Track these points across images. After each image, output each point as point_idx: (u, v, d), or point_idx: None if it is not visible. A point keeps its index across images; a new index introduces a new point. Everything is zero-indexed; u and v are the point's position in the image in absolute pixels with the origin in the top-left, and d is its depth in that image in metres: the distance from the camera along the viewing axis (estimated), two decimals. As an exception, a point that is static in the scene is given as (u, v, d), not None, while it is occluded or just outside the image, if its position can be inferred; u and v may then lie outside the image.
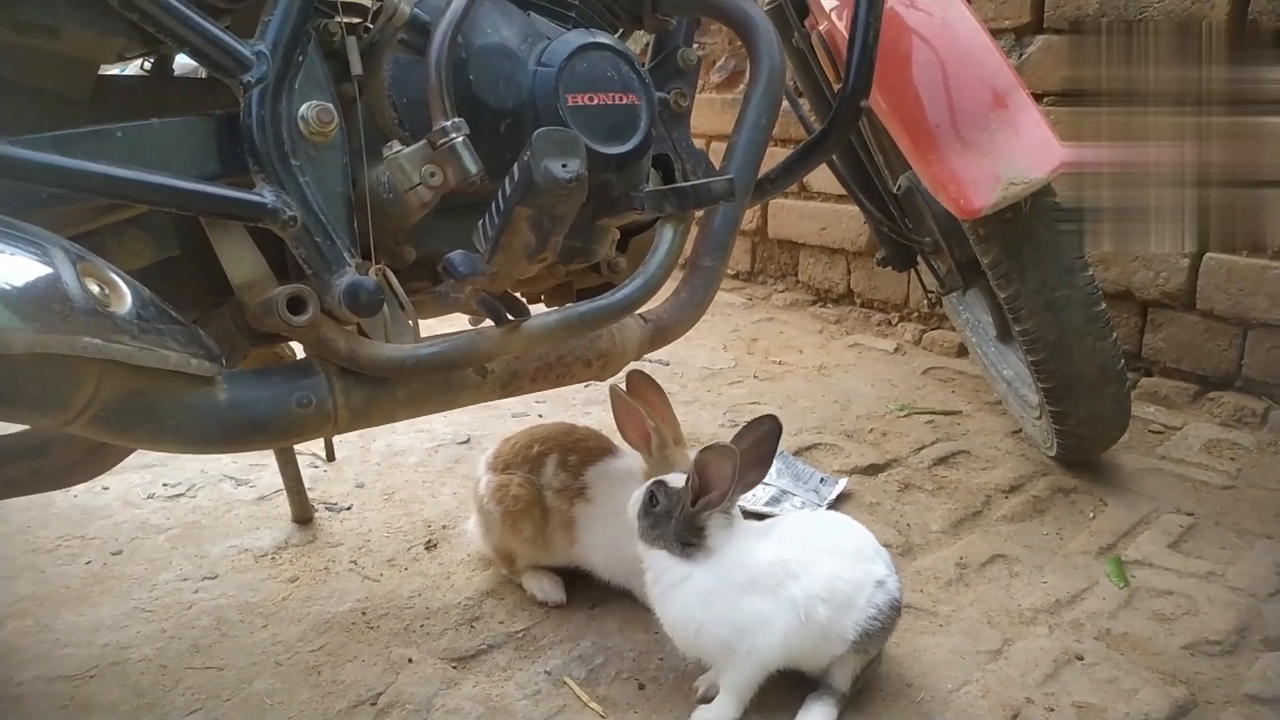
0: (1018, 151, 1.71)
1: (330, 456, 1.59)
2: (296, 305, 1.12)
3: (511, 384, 1.34)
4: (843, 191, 3.38)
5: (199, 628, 1.56)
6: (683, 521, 1.35)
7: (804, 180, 3.54)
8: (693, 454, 1.37)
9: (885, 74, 1.74)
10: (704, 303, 1.55)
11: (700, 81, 3.95)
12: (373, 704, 1.39)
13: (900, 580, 1.41)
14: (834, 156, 2.13)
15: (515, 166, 1.06)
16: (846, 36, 1.57)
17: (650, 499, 1.38)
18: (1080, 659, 1.53)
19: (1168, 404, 2.60)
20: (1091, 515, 2.02)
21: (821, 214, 3.51)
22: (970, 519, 2.00)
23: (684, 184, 1.37)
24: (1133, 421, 2.15)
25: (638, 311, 1.50)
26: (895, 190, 2.19)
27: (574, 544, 1.60)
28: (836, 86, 1.87)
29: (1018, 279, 1.82)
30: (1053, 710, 1.41)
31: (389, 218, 1.23)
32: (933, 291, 2.43)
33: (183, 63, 1.45)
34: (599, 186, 1.32)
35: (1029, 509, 2.04)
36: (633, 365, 1.53)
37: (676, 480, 1.39)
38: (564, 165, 1.03)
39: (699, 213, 1.46)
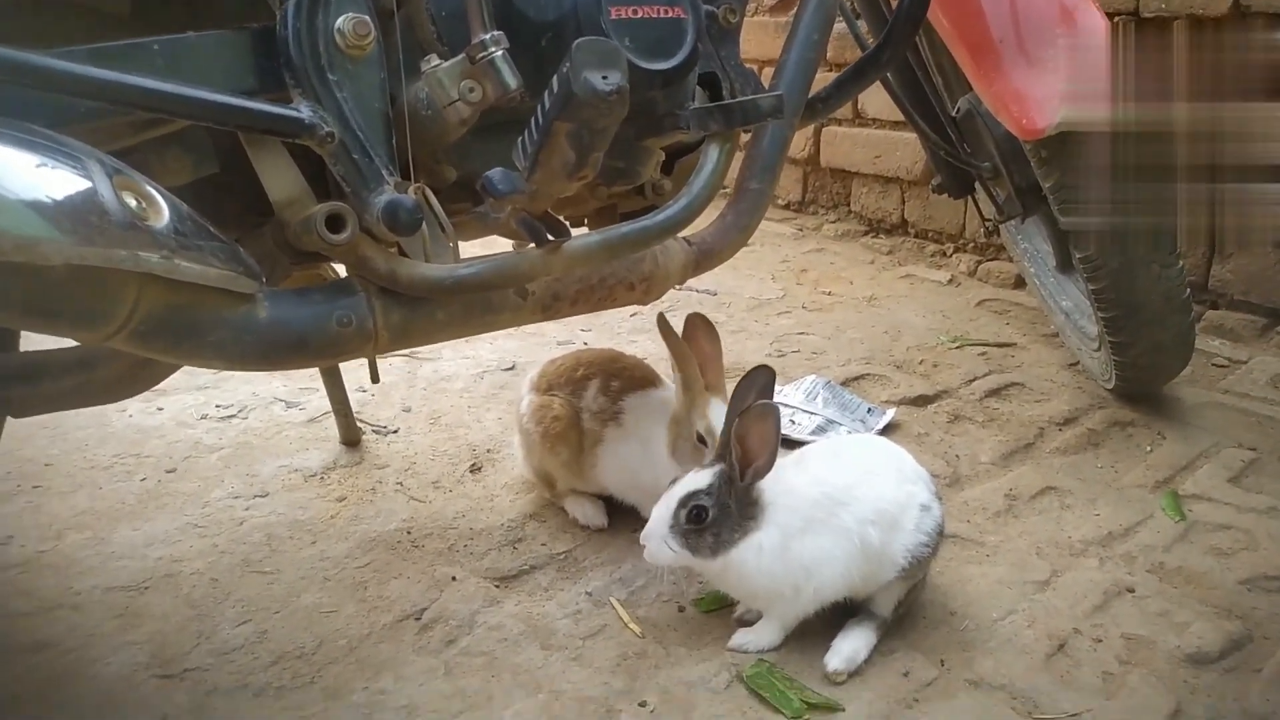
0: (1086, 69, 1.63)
1: (375, 378, 1.60)
2: (335, 223, 1.11)
3: (552, 306, 1.32)
4: (899, 118, 3.29)
5: (250, 543, 1.60)
6: (739, 502, 1.28)
7: (859, 106, 3.44)
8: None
9: (946, -14, 1.66)
10: (750, 226, 1.51)
11: (753, 4, 3.84)
12: (417, 619, 1.41)
13: (943, 502, 1.39)
14: (890, 77, 2.05)
15: (554, 79, 1.02)
16: (906, -54, 1.49)
17: (697, 515, 1.27)
18: (1131, 591, 1.50)
19: (1234, 337, 2.51)
20: (1149, 449, 1.96)
21: (876, 141, 3.41)
22: (1021, 451, 1.96)
23: (730, 101, 1.33)
24: (1196, 355, 2.07)
25: (681, 234, 1.48)
26: (954, 113, 2.11)
27: (595, 465, 1.60)
28: (894, 3, 1.79)
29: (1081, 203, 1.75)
30: (1100, 641, 1.39)
31: (428, 135, 1.20)
32: (990, 220, 2.35)
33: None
34: (643, 104, 1.28)
35: (1083, 442, 1.99)
36: (682, 295, 1.51)
37: (700, 479, 1.29)
38: (604, 77, 0.99)
39: (747, 134, 1.41)
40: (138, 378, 1.24)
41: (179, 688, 1.27)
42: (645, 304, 1.44)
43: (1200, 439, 1.99)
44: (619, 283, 1.38)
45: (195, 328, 1.04)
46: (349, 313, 1.16)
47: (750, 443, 1.26)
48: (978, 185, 2.28)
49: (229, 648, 1.35)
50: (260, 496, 1.75)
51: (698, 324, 1.55)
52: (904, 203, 3.41)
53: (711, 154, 1.32)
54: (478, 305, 1.26)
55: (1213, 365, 2.37)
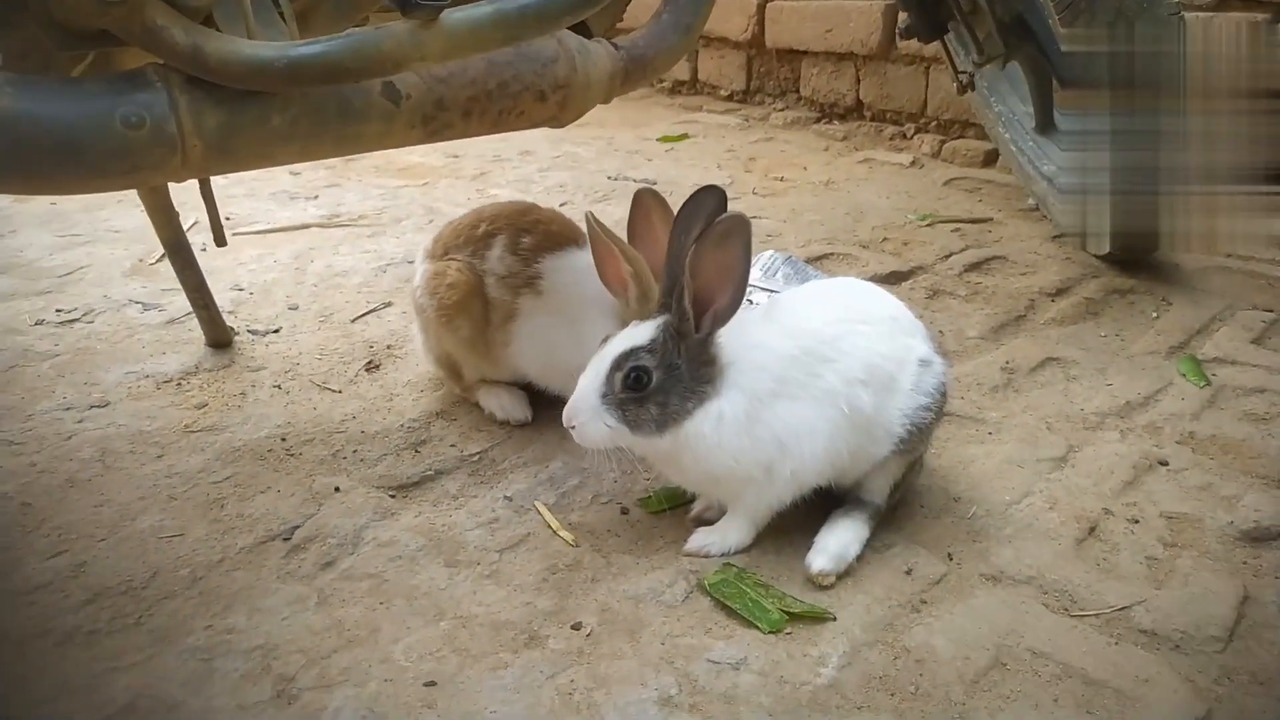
0: None
1: (219, 240, 1.23)
2: (104, -30, 0.77)
3: (436, 118, 1.00)
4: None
5: (77, 460, 1.27)
6: (691, 361, 0.98)
7: (806, -24, 3.12)
8: None
9: None
10: (693, 28, 1.21)
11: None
12: (286, 539, 1.11)
13: (948, 360, 1.11)
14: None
15: None
16: None
17: (636, 380, 0.97)
18: (1164, 465, 1.25)
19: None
20: (1155, 315, 1.72)
21: (826, 13, 3.09)
22: (1013, 324, 1.70)
23: None
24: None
25: (607, 39, 1.16)
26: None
27: (509, 345, 1.30)
28: None
29: (1086, 9, 1.46)
30: (1137, 522, 1.13)
31: None
32: (965, 71, 2.06)
33: None
34: None
35: (1081, 311, 1.74)
36: (618, 185, 1.20)
37: (638, 334, 0.99)
38: None
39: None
40: None
41: (-48, 640, 0.96)
42: (561, 123, 1.12)
43: (1210, 303, 1.75)
44: (525, 89, 1.06)
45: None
46: (140, 111, 0.83)
47: (708, 276, 0.95)
48: (951, 26, 1.99)
49: (31, 586, 1.03)
50: (98, 407, 1.41)
51: (647, 203, 1.11)
52: (859, 82, 3.10)
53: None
54: (331, 108, 0.93)
55: (1208, 230, 2.13)
